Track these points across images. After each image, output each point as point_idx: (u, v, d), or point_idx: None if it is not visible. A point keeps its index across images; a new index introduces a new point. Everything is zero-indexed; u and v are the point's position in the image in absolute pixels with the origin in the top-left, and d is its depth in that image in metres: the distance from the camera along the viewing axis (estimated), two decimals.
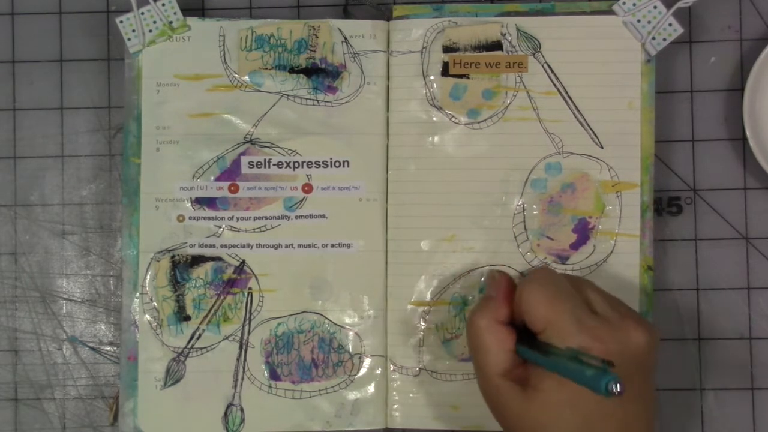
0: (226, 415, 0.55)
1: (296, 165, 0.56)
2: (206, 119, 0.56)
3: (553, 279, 0.47)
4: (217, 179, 0.56)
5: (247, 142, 0.56)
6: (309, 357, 0.56)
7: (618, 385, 0.38)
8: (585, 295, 0.47)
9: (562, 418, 0.44)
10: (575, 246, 0.55)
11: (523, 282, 0.48)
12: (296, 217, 0.56)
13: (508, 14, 0.56)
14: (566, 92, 0.56)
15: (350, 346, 0.56)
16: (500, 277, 0.50)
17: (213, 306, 0.56)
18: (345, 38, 0.57)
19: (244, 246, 0.56)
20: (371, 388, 0.56)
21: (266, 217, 0.56)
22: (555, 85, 0.56)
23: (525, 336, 0.47)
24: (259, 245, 0.56)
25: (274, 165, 0.56)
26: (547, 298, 0.46)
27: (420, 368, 0.56)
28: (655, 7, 0.55)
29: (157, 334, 0.56)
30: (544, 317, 0.45)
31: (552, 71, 0.56)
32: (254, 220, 0.56)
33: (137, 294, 0.56)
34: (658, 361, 0.47)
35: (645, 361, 0.46)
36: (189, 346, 0.56)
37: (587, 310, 0.46)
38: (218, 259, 0.56)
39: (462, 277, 0.56)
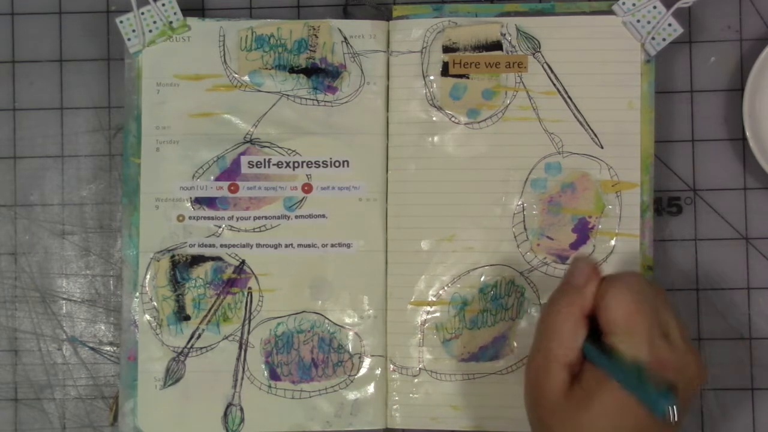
0: (225, 414, 0.55)
1: (296, 165, 0.56)
2: (206, 119, 0.56)
3: (640, 288, 0.46)
4: (217, 179, 0.56)
5: (247, 142, 0.56)
6: (309, 357, 0.56)
7: (677, 413, 0.38)
8: (662, 315, 0.46)
9: (598, 428, 0.43)
10: (575, 246, 0.55)
11: (611, 280, 0.46)
12: (296, 217, 0.56)
13: (508, 14, 0.56)
14: (566, 92, 0.56)
15: (350, 346, 0.56)
16: (592, 267, 0.47)
17: (213, 306, 0.56)
18: (345, 38, 0.57)
19: (243, 246, 0.56)
20: (371, 388, 0.56)
21: (266, 217, 0.56)
22: (555, 85, 0.56)
23: (591, 331, 0.46)
24: (259, 245, 0.56)
25: (274, 165, 0.56)
26: (629, 305, 0.45)
27: (420, 368, 0.56)
28: (654, 7, 0.55)
29: (157, 334, 0.56)
30: (620, 322, 0.44)
31: (552, 71, 0.56)
32: (254, 219, 0.56)
33: (137, 294, 0.56)
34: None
35: (689, 396, 0.46)
36: (189, 346, 0.56)
37: (660, 332, 0.45)
38: (218, 258, 0.56)
39: (462, 277, 0.56)
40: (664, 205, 0.57)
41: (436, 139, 0.56)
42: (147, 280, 0.56)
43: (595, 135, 0.56)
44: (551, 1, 0.57)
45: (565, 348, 0.45)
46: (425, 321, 0.56)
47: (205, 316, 0.56)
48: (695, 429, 0.56)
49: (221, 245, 0.56)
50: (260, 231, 0.56)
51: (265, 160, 0.56)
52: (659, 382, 0.41)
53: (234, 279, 0.56)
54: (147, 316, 0.56)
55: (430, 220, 0.56)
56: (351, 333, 0.56)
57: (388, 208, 0.56)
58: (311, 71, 0.56)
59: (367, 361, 0.56)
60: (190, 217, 0.56)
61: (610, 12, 0.56)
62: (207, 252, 0.56)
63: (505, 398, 0.55)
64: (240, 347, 0.56)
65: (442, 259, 0.56)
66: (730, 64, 0.58)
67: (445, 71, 0.56)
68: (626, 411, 0.43)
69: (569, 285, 0.48)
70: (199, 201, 0.56)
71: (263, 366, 0.56)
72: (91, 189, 0.58)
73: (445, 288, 0.56)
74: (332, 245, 0.56)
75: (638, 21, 0.55)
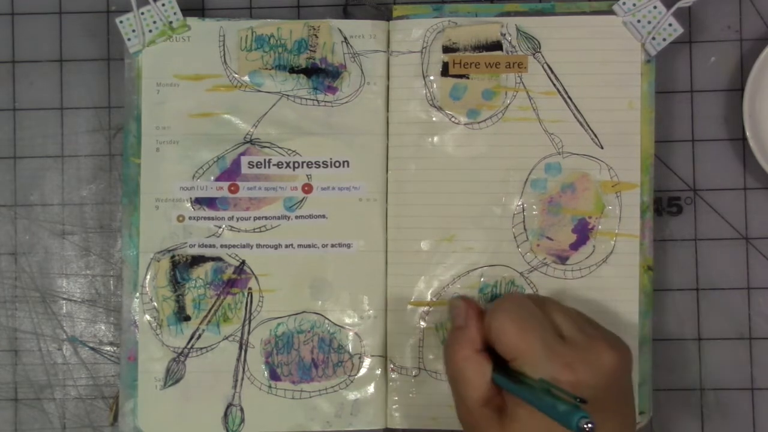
0: (226, 415, 0.55)
1: (296, 165, 0.56)
2: (206, 119, 0.56)
3: (520, 306, 0.47)
4: (217, 179, 0.56)
5: (247, 142, 0.56)
6: (309, 357, 0.56)
7: (589, 423, 0.38)
8: (553, 318, 0.47)
9: None
10: (575, 246, 0.55)
11: (492, 312, 0.47)
12: (296, 217, 0.56)
13: (508, 14, 0.56)
14: (566, 92, 0.56)
15: (350, 346, 0.56)
16: (466, 305, 0.49)
17: (213, 306, 0.56)
18: (345, 38, 0.56)
19: (244, 246, 0.56)
20: (371, 389, 0.56)
21: (266, 217, 0.56)
22: (555, 85, 0.56)
23: (498, 362, 0.47)
24: (259, 245, 0.56)
25: (274, 165, 0.56)
26: (515, 327, 0.46)
27: (420, 368, 0.56)
28: (655, 7, 0.55)
29: (157, 334, 0.56)
30: (514, 346, 0.45)
31: (552, 71, 0.56)
32: (254, 220, 0.56)
33: (137, 294, 0.56)
34: (632, 376, 0.48)
35: (618, 380, 0.46)
36: (189, 346, 0.56)
37: (556, 336, 0.46)
38: (218, 259, 0.56)
39: (462, 277, 0.56)
40: (664, 205, 0.57)
41: (436, 139, 0.56)
42: (147, 281, 0.56)
43: (595, 135, 0.56)
44: (551, 1, 0.57)
45: (475, 389, 0.46)
46: (425, 321, 0.56)
47: (206, 316, 0.56)
48: (695, 429, 0.56)
49: (221, 245, 0.56)
50: (260, 231, 0.56)
51: (265, 160, 0.56)
52: (566, 394, 0.41)
53: (234, 279, 0.56)
54: (147, 317, 0.56)
55: (430, 220, 0.56)
56: (351, 333, 0.56)
57: (388, 208, 0.56)
58: (311, 71, 0.56)
59: (367, 361, 0.56)
60: (190, 218, 0.56)
61: (611, 12, 0.56)
62: (207, 252, 0.56)
63: None
64: (240, 347, 0.56)
65: (442, 259, 0.56)
66: (730, 64, 0.58)
67: (445, 71, 0.56)
68: (559, 426, 0.43)
69: (454, 328, 0.49)
70: (199, 201, 0.56)
71: (263, 366, 0.56)
72: (91, 189, 0.58)
73: (445, 288, 0.56)
74: (332, 245, 0.56)
75: (638, 21, 0.55)
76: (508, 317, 0.46)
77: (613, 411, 0.45)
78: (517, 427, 0.44)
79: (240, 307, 0.56)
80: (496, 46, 0.56)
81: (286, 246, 0.56)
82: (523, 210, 0.56)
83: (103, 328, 0.58)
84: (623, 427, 0.46)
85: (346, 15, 0.58)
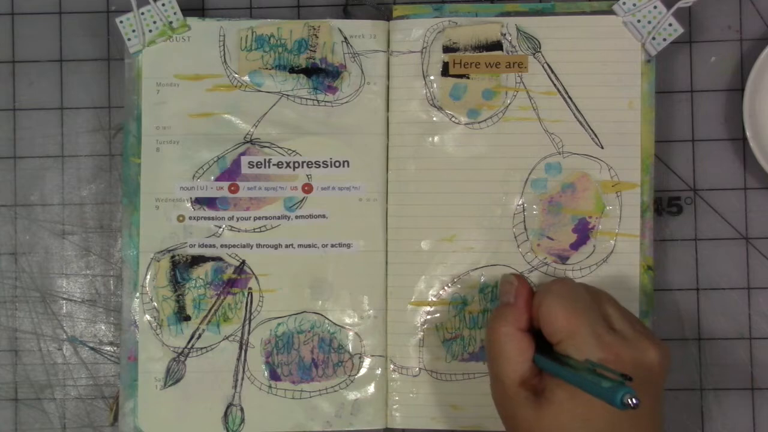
0: (226, 415, 0.55)
1: (296, 165, 0.56)
2: (206, 119, 0.56)
3: (573, 291, 0.47)
4: (217, 179, 0.56)
5: (247, 142, 0.56)
6: (309, 357, 0.56)
7: (634, 398, 0.38)
8: (604, 309, 0.47)
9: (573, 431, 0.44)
10: (575, 246, 0.55)
11: (543, 292, 0.47)
12: (296, 217, 0.56)
13: (508, 14, 0.56)
14: (566, 92, 0.56)
15: (350, 346, 0.56)
16: (519, 283, 0.49)
17: (213, 306, 0.56)
18: (345, 38, 0.57)
19: (244, 246, 0.56)
20: (371, 388, 0.56)
21: (266, 217, 0.56)
22: (555, 85, 0.56)
23: (541, 344, 0.47)
24: (259, 245, 0.56)
25: (274, 165, 0.56)
26: (566, 310, 0.46)
27: (420, 368, 0.56)
28: (655, 7, 0.55)
29: (157, 334, 0.56)
30: (562, 329, 0.45)
31: (552, 71, 0.56)
32: (254, 220, 0.56)
33: (137, 294, 0.56)
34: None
35: (657, 380, 0.46)
36: (189, 346, 0.56)
37: (605, 326, 0.46)
38: (218, 259, 0.56)
39: (462, 277, 0.56)
40: (664, 205, 0.57)
41: (436, 139, 0.56)
42: (147, 281, 0.56)
43: (595, 135, 0.56)
44: (551, 1, 0.57)
45: (514, 367, 0.46)
46: (425, 321, 0.56)
47: (206, 316, 0.56)
48: (695, 429, 0.56)
49: (221, 245, 0.56)
50: (260, 231, 0.56)
51: (265, 160, 0.56)
52: (611, 373, 0.41)
53: (234, 279, 0.56)
54: (147, 317, 0.56)
55: (430, 220, 0.56)
56: (351, 333, 0.56)
57: (388, 208, 0.56)
58: (311, 71, 0.56)
59: (367, 361, 0.56)
60: (190, 218, 0.56)
61: (611, 12, 0.56)
62: (207, 252, 0.56)
63: None
64: (240, 347, 0.56)
65: (442, 259, 0.56)
66: (730, 64, 0.58)
67: (445, 71, 0.56)
68: (595, 412, 0.43)
69: (500, 304, 0.49)
70: (199, 201, 0.56)
71: (263, 366, 0.56)
72: (91, 189, 0.58)
73: (445, 288, 0.56)
74: (332, 245, 0.56)
75: (639, 21, 0.55)
76: (560, 299, 0.46)
77: (647, 411, 0.45)
78: (554, 409, 0.44)
79: (240, 307, 0.56)
80: (497, 46, 0.56)
81: (286, 246, 0.56)
82: (524, 210, 0.56)
83: (103, 328, 0.58)
84: (655, 429, 0.46)
85: (346, 15, 0.58)
